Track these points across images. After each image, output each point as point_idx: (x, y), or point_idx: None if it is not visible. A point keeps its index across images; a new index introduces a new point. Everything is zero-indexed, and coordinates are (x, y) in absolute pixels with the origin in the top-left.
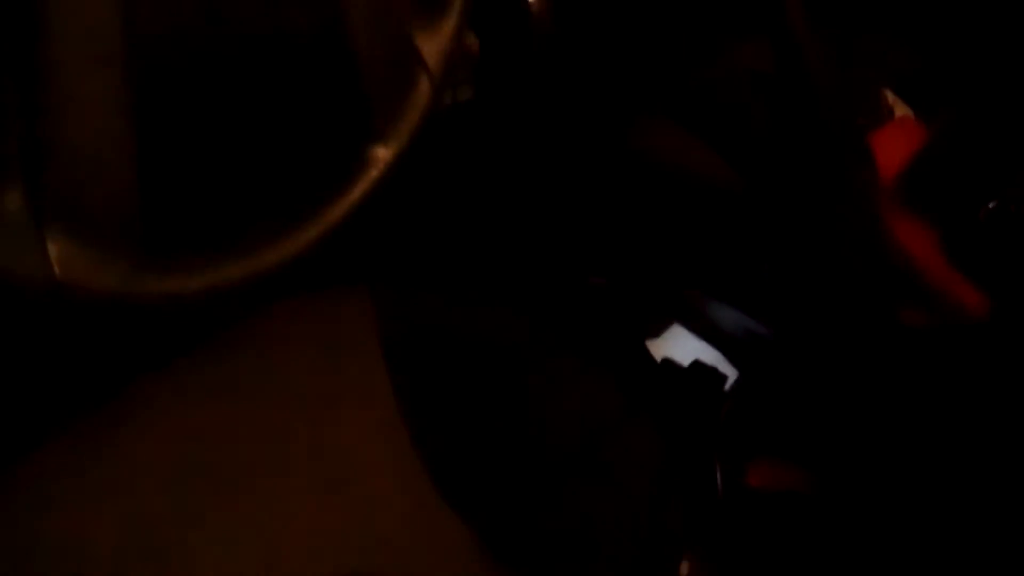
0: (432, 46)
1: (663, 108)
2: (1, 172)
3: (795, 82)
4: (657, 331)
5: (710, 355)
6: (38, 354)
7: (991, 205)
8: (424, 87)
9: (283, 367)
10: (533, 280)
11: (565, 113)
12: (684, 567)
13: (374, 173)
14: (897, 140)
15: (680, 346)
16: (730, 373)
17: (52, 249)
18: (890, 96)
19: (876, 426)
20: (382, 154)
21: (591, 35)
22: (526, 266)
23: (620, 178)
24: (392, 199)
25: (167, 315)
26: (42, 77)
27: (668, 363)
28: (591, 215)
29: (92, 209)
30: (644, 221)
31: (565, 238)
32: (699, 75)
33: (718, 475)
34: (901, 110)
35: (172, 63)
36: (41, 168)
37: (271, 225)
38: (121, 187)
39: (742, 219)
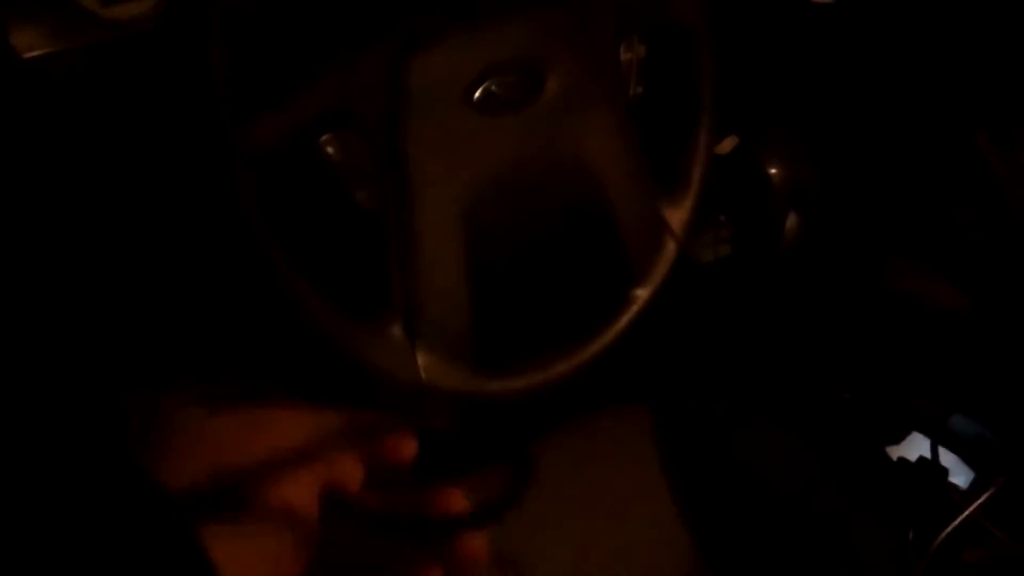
0: (676, 217)
1: (911, 250)
2: (391, 311)
3: (1001, 224)
4: (898, 439)
5: (946, 458)
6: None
7: None
8: (671, 247)
9: (576, 474)
10: (793, 398)
11: (813, 261)
12: None
13: (635, 308)
14: None
15: (919, 451)
16: (964, 472)
17: (420, 360)
18: None
19: None
20: (641, 294)
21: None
22: (784, 387)
23: (872, 311)
24: (666, 334)
25: (494, 413)
26: (416, 250)
27: (902, 460)
28: (842, 340)
29: (445, 333)
30: (888, 343)
31: (820, 361)
32: (943, 222)
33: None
34: None
35: (492, 243)
36: (414, 308)
37: (563, 346)
38: (462, 319)
39: (976, 341)
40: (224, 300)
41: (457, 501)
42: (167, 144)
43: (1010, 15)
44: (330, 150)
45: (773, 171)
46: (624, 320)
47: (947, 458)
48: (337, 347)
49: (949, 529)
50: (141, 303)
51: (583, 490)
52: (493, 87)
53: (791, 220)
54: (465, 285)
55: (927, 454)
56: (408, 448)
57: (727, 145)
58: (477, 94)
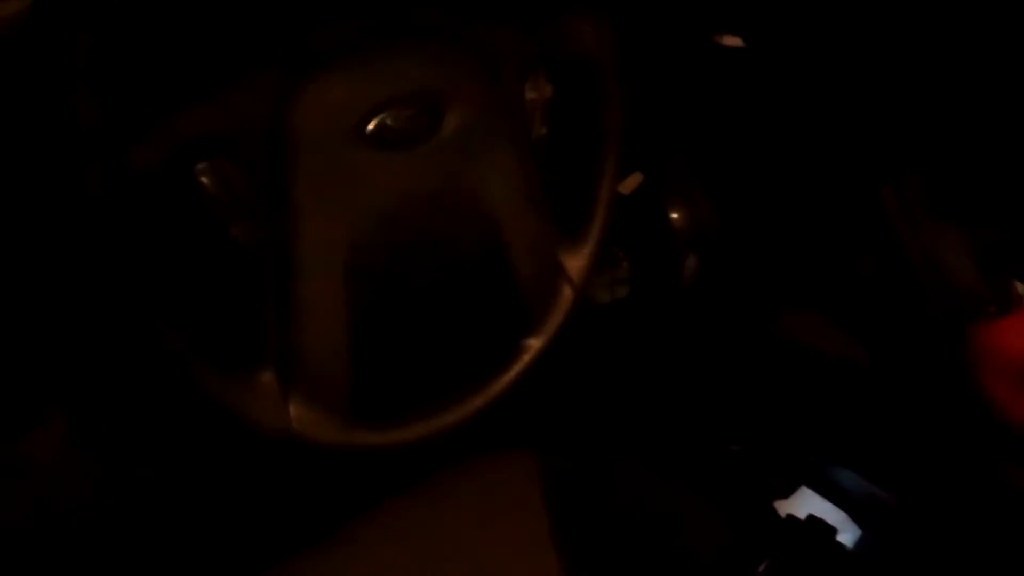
0: (575, 263)
1: (807, 300)
2: (264, 359)
3: (902, 281)
4: (787, 493)
5: (835, 516)
6: (265, 495)
7: None
8: (567, 294)
9: (460, 518)
10: (680, 447)
11: (709, 307)
12: None
13: (527, 358)
14: None
15: (807, 506)
16: (852, 530)
17: (292, 410)
18: (1020, 286)
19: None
20: (533, 344)
21: (734, 251)
22: (674, 435)
23: (763, 360)
24: (556, 378)
25: (371, 463)
26: (294, 291)
27: (790, 518)
28: (734, 390)
29: (320, 384)
30: (780, 395)
31: (709, 410)
32: (842, 272)
33: None
34: None
35: (377, 286)
36: (288, 357)
37: (448, 396)
38: (340, 369)
39: (869, 395)
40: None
41: None
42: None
43: (919, 66)
44: (205, 180)
45: (675, 214)
46: (515, 370)
47: (834, 515)
48: (201, 392)
49: None
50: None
51: (463, 532)
52: (388, 120)
53: (690, 263)
54: (346, 331)
55: (815, 510)
56: None
57: (630, 184)
58: (370, 127)
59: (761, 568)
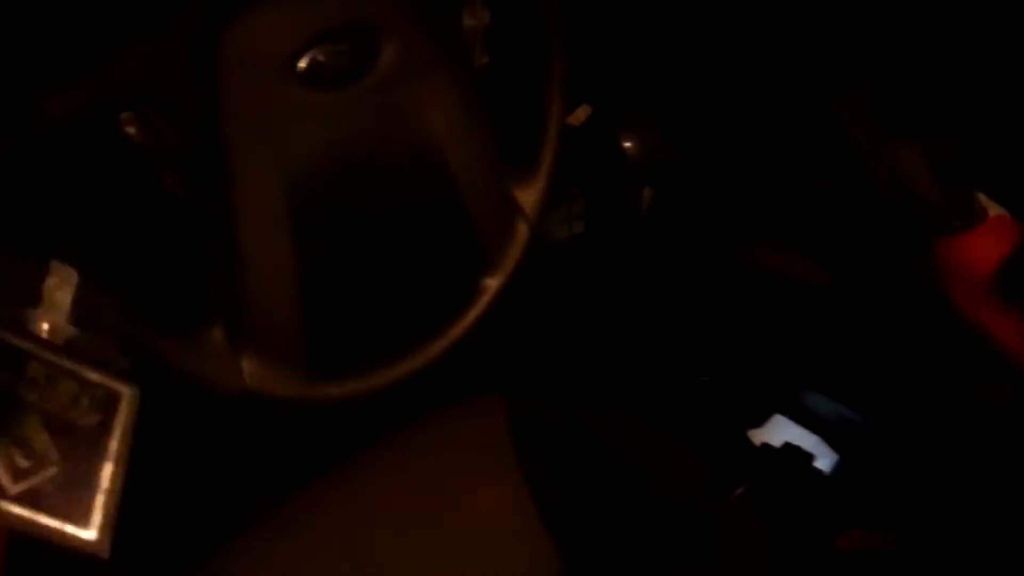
0: (528, 197)
1: (765, 226)
2: (210, 315)
3: (862, 199)
4: (760, 421)
5: (809, 442)
6: (230, 453)
7: None
8: (523, 230)
9: (433, 462)
10: (648, 382)
11: (669, 239)
12: None
13: (486, 298)
14: (992, 238)
15: (781, 434)
16: (828, 455)
17: (245, 367)
18: (983, 198)
19: (963, 495)
20: (491, 284)
21: (690, 177)
22: (641, 370)
23: (728, 289)
24: (520, 318)
25: (333, 416)
26: (236, 242)
27: (765, 447)
28: (699, 321)
29: (272, 337)
30: (747, 323)
31: (674, 342)
32: (795, 197)
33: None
34: (995, 210)
35: (324, 232)
36: (236, 311)
37: (407, 343)
38: (292, 320)
39: (837, 318)
40: None
41: None
42: None
43: None
44: (131, 130)
45: (628, 144)
46: (474, 312)
47: (808, 440)
48: (148, 356)
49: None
50: None
51: (432, 479)
52: (320, 57)
53: (646, 194)
54: (294, 280)
55: (789, 437)
56: None
57: (580, 115)
58: (302, 64)
59: (736, 493)
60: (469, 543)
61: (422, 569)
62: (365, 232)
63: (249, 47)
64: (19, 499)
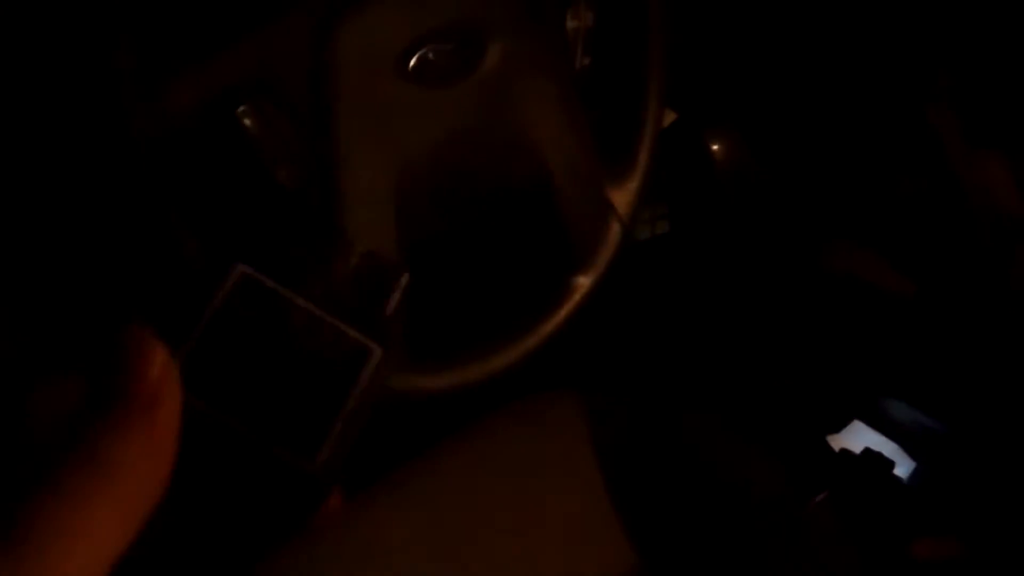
0: (622, 198)
1: (848, 231)
2: None
3: (947, 205)
4: (839, 427)
5: (888, 449)
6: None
7: None
8: (616, 229)
9: (514, 456)
10: (728, 385)
11: (752, 242)
12: None
13: (577, 297)
14: None
15: (861, 440)
16: (906, 462)
17: None
18: None
19: None
20: (583, 282)
21: (776, 179)
22: (722, 373)
23: (810, 295)
24: (604, 317)
25: (429, 408)
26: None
27: (844, 452)
28: (781, 325)
29: None
30: (828, 328)
31: (756, 346)
32: (888, 198)
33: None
34: None
35: (424, 226)
36: None
37: (500, 338)
38: None
39: (918, 325)
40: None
41: None
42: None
43: None
44: (248, 122)
45: (715, 147)
46: (566, 310)
47: (887, 447)
48: None
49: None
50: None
51: (513, 472)
52: (429, 55)
53: (731, 197)
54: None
55: (868, 443)
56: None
57: (666, 119)
58: (412, 62)
59: (817, 499)
60: (545, 537)
61: (498, 556)
62: (462, 227)
63: (363, 42)
64: None
